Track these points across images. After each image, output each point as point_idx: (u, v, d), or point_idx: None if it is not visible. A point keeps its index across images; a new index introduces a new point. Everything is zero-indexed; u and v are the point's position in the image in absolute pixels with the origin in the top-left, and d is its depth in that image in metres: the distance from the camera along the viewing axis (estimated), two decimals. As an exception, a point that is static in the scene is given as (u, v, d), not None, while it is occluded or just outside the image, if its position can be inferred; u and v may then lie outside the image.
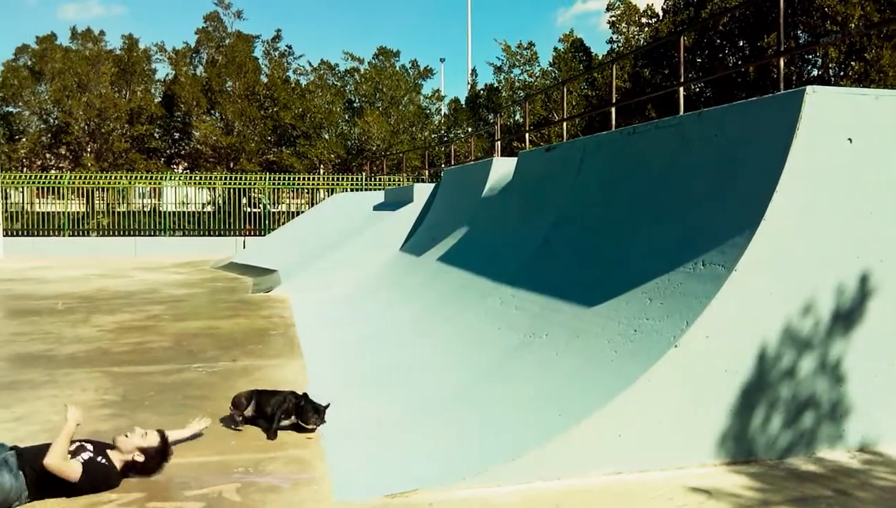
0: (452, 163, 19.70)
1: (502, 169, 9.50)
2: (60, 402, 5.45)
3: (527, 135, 16.23)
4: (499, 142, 17.22)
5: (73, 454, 3.74)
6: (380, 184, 23.38)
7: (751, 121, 4.73)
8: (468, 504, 3.51)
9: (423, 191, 13.50)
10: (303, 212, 21.83)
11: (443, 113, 35.07)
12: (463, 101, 34.62)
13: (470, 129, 31.62)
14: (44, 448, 3.76)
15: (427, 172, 24.02)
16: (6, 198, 22.34)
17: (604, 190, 6.42)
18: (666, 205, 5.29)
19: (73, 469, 3.64)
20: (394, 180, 24.27)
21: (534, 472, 3.77)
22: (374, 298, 9.38)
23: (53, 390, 5.83)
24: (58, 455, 3.60)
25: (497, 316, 6.13)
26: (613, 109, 9.69)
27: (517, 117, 30.62)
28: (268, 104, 31.00)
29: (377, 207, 15.49)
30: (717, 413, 4.03)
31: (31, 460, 3.67)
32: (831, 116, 4.34)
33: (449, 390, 5.14)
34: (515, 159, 8.99)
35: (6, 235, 21.51)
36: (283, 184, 23.61)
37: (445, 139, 31.94)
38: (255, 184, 23.46)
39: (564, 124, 11.45)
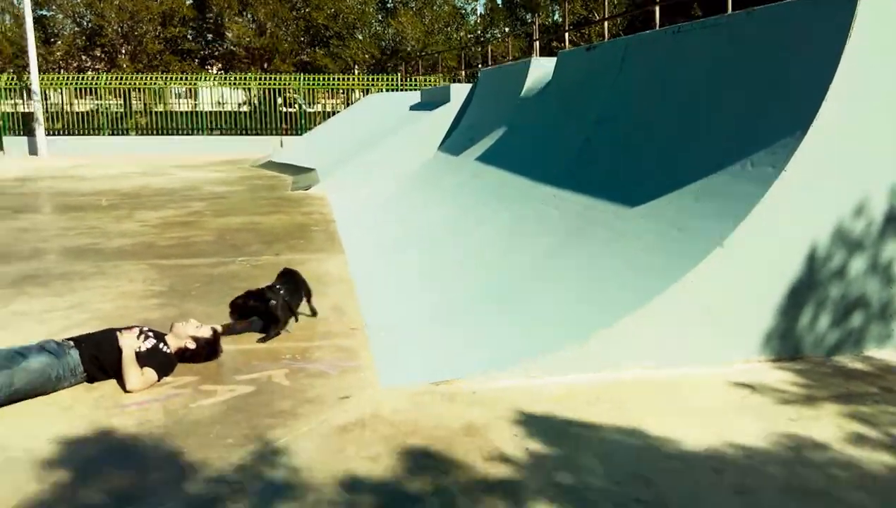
0: (489, 63, 19.24)
1: (541, 69, 9.23)
2: (110, 292, 5.61)
3: (566, 35, 15.73)
4: (537, 43, 16.76)
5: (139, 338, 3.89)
6: (415, 85, 22.99)
7: (804, 20, 4.48)
8: (510, 394, 3.57)
9: (460, 91, 13.24)
10: (338, 112, 21.63)
11: (479, 13, 34.06)
12: (499, 1, 33.51)
13: (507, 29, 30.71)
14: (98, 335, 3.90)
15: (463, 73, 23.52)
16: (46, 99, 22.40)
17: (647, 90, 6.21)
18: (712, 106, 5.11)
19: (152, 380, 3.78)
20: (429, 81, 23.82)
21: (575, 365, 3.80)
22: (412, 197, 9.35)
23: (103, 281, 5.97)
24: (135, 381, 3.71)
25: (537, 216, 6.08)
26: (657, 8, 9.31)
27: (556, 17, 29.64)
28: (300, 4, 30.30)
29: (413, 107, 15.26)
30: (764, 311, 3.99)
31: (89, 346, 3.79)
32: (887, 16, 4.10)
33: (490, 287, 5.16)
34: (554, 59, 8.73)
35: (48, 134, 21.70)
36: (317, 84, 23.32)
37: (482, 39, 31.11)
38: (289, 84, 23.21)
39: (605, 24, 11.07)
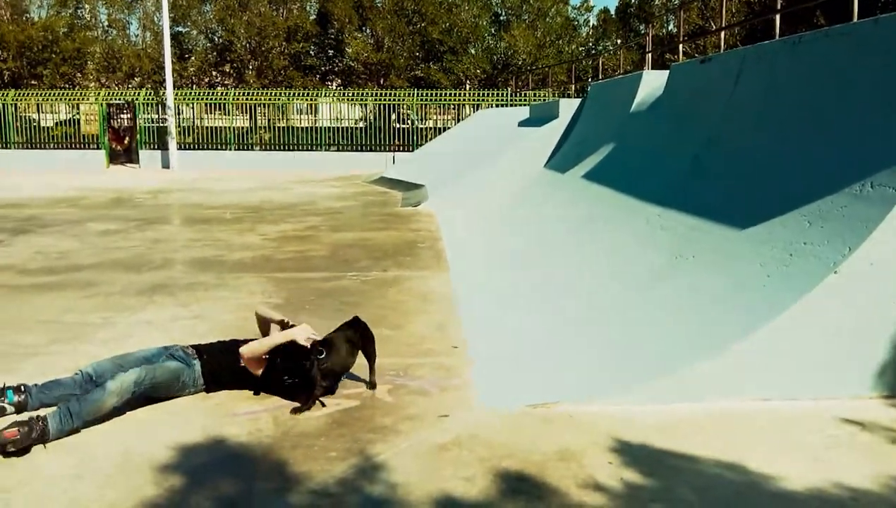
0: (600, 77, 19.02)
1: (653, 83, 9.06)
2: (231, 303, 5.91)
3: (680, 46, 15.32)
4: (650, 55, 16.41)
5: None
6: (525, 100, 22.99)
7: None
8: (607, 420, 3.53)
9: (568, 106, 13.16)
10: (449, 127, 21.91)
11: (591, 24, 33.67)
12: (613, 11, 33.04)
13: (619, 41, 30.25)
14: (221, 345, 4.12)
15: (573, 87, 23.35)
16: (179, 114, 23.82)
17: (763, 105, 5.99)
18: (832, 122, 4.88)
19: (263, 349, 3.98)
20: (539, 95, 23.77)
21: (677, 393, 3.71)
22: (517, 215, 9.38)
23: (225, 292, 6.30)
24: (254, 349, 3.96)
25: (642, 236, 5.97)
26: (777, 17, 8.95)
27: (670, 27, 28.94)
28: (416, 19, 30.89)
29: (522, 123, 15.29)
30: (878, 344, 3.77)
31: (210, 359, 3.99)
32: None
33: (591, 308, 5.11)
34: (667, 72, 8.55)
35: (179, 148, 23.06)
36: (430, 99, 23.71)
37: (593, 52, 30.77)
38: (403, 99, 23.71)
39: (722, 34, 10.73)
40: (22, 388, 3.63)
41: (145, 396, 3.71)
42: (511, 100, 23.92)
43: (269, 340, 4.04)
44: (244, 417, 3.68)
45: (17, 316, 5.52)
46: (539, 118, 14.44)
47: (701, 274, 4.77)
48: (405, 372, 4.31)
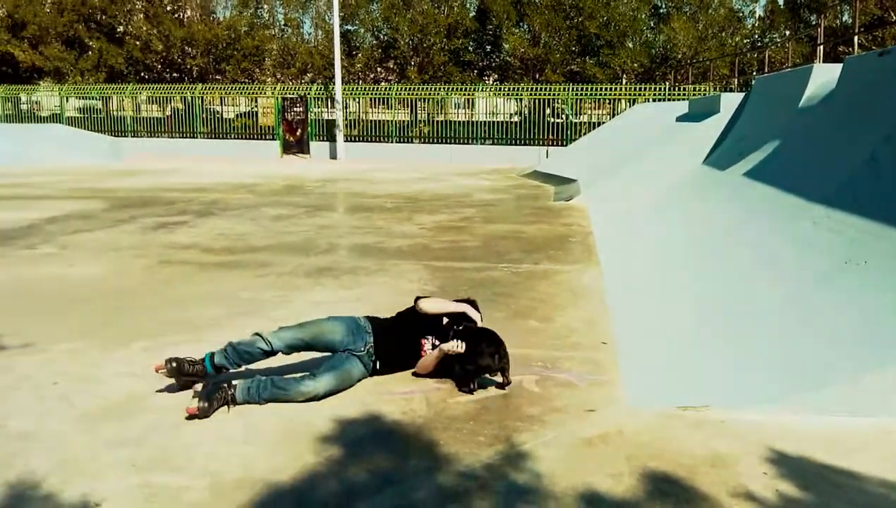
0: (766, 70, 17.94)
1: (824, 77, 8.42)
2: (389, 288, 6.12)
3: (856, 38, 14.19)
4: (821, 47, 15.30)
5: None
6: (684, 94, 22.10)
7: None
8: (763, 429, 3.35)
9: (730, 101, 12.50)
10: (604, 122, 21.48)
11: (757, 15, 31.75)
12: (781, 2, 30.95)
13: (787, 33, 28.35)
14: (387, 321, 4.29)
15: (736, 81, 22.17)
16: (346, 108, 24.87)
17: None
18: None
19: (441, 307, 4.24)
20: (699, 90, 22.77)
21: (842, 406, 3.45)
22: (672, 212, 9.05)
23: (384, 277, 6.54)
24: (431, 306, 4.21)
25: (807, 238, 5.59)
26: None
27: (845, 18, 26.78)
28: (573, 14, 30.43)
29: (680, 118, 14.71)
30: None
31: (386, 337, 4.13)
32: None
33: (747, 311, 4.86)
34: (840, 66, 7.92)
35: (345, 140, 24.08)
36: (585, 94, 23.33)
37: (758, 44, 29.03)
38: (558, 94, 23.49)
39: (906, 25, 9.81)
40: (224, 368, 3.88)
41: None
42: (669, 94, 23.09)
43: (447, 304, 4.26)
44: (399, 397, 3.81)
45: (202, 291, 6.01)
46: (699, 113, 13.83)
47: (873, 281, 4.41)
48: (553, 364, 4.30)
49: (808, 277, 4.96)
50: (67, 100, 28.03)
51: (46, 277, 6.50)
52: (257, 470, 3.00)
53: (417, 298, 4.33)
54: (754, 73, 23.42)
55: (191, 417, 3.46)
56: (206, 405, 3.48)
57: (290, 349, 3.96)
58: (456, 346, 3.91)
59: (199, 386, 3.69)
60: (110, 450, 3.16)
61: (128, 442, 3.23)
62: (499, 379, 3.94)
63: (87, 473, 2.96)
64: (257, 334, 3.94)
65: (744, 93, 12.37)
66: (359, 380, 3.97)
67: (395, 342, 4.12)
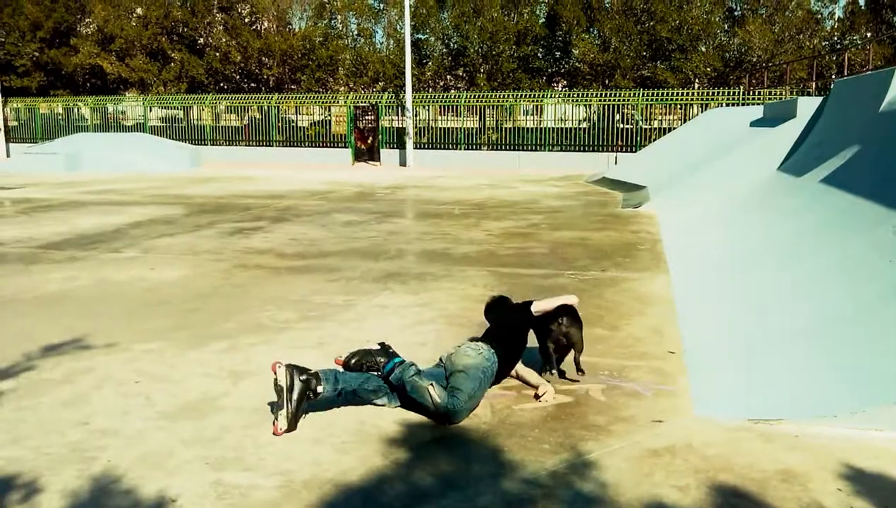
0: (845, 74, 17.26)
1: (908, 80, 8.06)
2: (455, 294, 6.15)
3: (944, 39, 13.51)
4: (906, 49, 14.61)
5: None
6: (759, 99, 21.47)
7: None
8: (838, 444, 3.22)
9: (807, 105, 12.07)
10: (675, 128, 21.05)
11: (836, 17, 30.57)
12: (862, 3, 29.73)
13: (869, 35, 27.20)
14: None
15: (813, 85, 21.42)
16: (416, 116, 25.10)
17: None
18: None
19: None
20: (774, 94, 22.07)
21: (922, 421, 3.30)
22: (744, 219, 8.80)
23: (450, 283, 6.56)
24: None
25: (887, 247, 5.35)
26: None
27: (933, 18, 25.54)
28: (644, 18, 29.95)
29: (754, 123, 14.29)
30: None
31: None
32: None
33: (820, 322, 4.67)
34: (926, 69, 7.58)
35: (415, 148, 24.29)
36: (656, 99, 22.91)
37: (838, 46, 27.95)
38: (628, 100, 23.14)
39: None
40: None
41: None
42: (743, 98, 22.46)
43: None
44: (464, 403, 3.82)
45: (275, 294, 6.16)
46: (774, 118, 13.41)
47: (959, 293, 4.19)
48: (619, 373, 4.23)
49: (888, 287, 4.75)
50: (151, 110, 29.19)
51: (129, 280, 6.78)
52: (326, 471, 3.05)
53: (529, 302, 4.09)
54: (833, 77, 22.57)
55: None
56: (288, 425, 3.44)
57: None
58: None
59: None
60: (186, 448, 3.27)
61: (203, 441, 3.34)
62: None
63: (164, 469, 3.07)
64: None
65: (822, 98, 11.93)
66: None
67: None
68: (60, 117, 30.14)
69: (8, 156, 27.70)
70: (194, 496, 2.85)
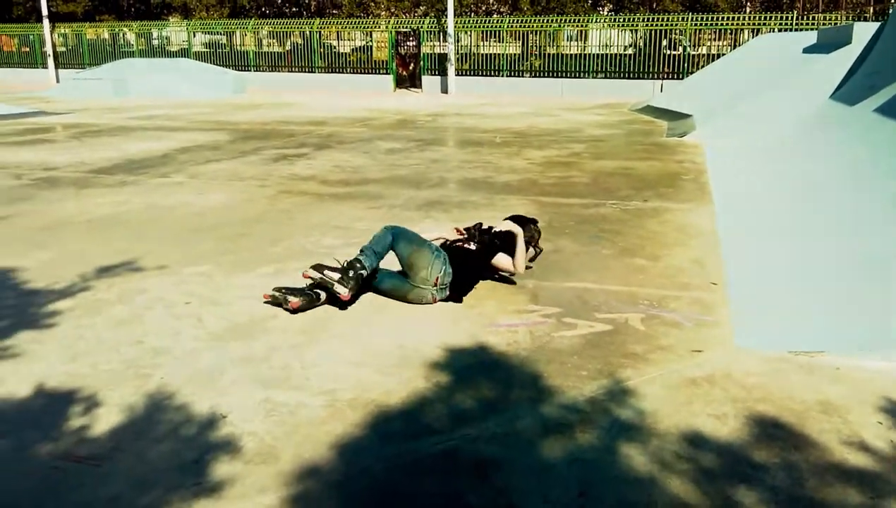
0: (908, -3, 16.32)
1: (977, 4, 7.58)
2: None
3: None
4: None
5: None
6: (813, 24, 20.49)
7: None
8: (880, 378, 3.17)
9: (864, 31, 11.48)
10: (724, 54, 20.27)
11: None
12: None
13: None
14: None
15: (871, 9, 20.32)
16: (457, 42, 24.57)
17: None
18: None
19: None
20: (829, 19, 21.04)
21: (970, 358, 3.23)
22: (794, 149, 8.52)
23: (491, 212, 6.52)
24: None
25: (944, 180, 5.15)
26: None
27: None
28: (696, -62, 28.52)
29: (807, 50, 13.67)
30: None
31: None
32: None
33: (868, 257, 4.55)
34: None
35: (457, 74, 23.86)
36: (705, 24, 22.02)
37: (902, -32, 26.35)
38: (676, 24, 22.29)
39: None
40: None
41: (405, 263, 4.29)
42: (796, 24, 21.45)
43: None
44: (504, 328, 3.84)
45: (319, 221, 6.21)
46: (828, 44, 12.81)
47: None
48: (659, 303, 4.20)
49: (942, 222, 4.59)
50: (194, 36, 29.08)
51: (177, 204, 6.89)
52: (370, 392, 3.12)
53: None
54: (893, 1, 21.36)
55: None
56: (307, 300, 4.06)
57: None
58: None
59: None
60: (236, 367, 3.36)
61: (252, 360, 3.43)
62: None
63: (215, 387, 3.17)
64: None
65: (879, 23, 11.32)
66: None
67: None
68: (107, 43, 30.23)
69: (57, 81, 28.02)
70: (244, 413, 2.95)
